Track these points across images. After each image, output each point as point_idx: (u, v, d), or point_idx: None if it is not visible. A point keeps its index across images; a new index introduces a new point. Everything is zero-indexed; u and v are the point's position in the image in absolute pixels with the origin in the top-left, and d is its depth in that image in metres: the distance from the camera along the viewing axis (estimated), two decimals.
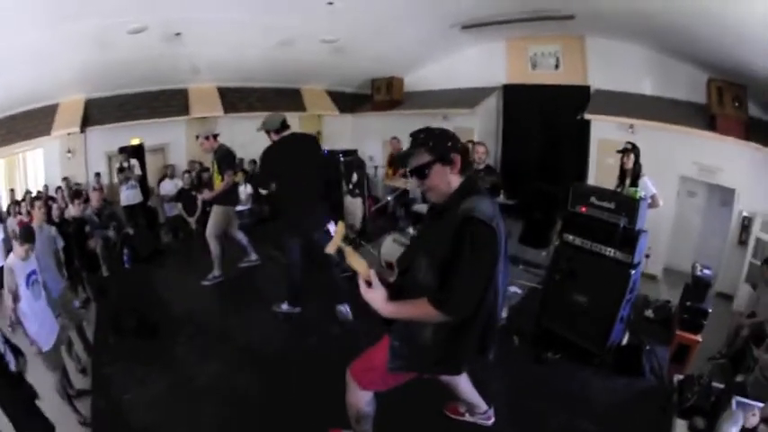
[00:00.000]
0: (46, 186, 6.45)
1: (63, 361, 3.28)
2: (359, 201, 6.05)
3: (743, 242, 4.77)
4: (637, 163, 3.92)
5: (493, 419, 2.55)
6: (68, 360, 3.72)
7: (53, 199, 5.91)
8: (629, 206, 3.06)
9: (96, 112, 6.60)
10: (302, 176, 3.56)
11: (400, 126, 7.26)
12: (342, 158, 5.90)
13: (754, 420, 2.23)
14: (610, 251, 3.11)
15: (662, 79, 5.54)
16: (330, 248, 1.78)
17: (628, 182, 3.87)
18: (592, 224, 3.21)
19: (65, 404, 3.10)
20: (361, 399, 2.04)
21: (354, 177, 5.98)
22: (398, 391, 1.97)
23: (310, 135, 3.99)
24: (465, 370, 2.14)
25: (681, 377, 2.89)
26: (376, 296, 1.65)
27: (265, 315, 4.00)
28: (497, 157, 7.21)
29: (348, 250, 1.72)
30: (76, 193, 5.45)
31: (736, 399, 2.43)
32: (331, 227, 3.60)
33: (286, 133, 3.63)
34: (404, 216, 6.39)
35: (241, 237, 4.88)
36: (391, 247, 4.27)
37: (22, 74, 5.44)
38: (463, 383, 2.34)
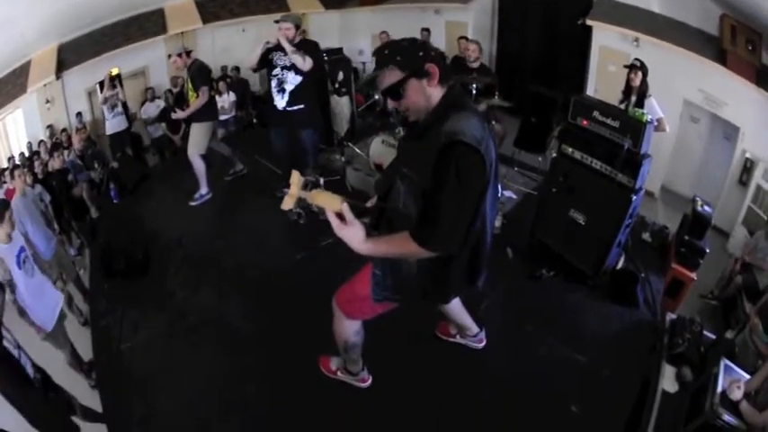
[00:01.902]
0: (30, 143, 6.32)
1: (68, 337, 3.24)
2: (346, 99, 5.86)
3: (743, 183, 4.56)
4: (644, 82, 3.74)
5: (484, 342, 2.55)
6: (71, 315, 3.75)
7: (37, 154, 5.80)
8: (635, 128, 2.84)
9: (70, 55, 6.30)
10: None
11: (391, 21, 7.02)
12: (326, 58, 5.65)
13: (738, 394, 2.11)
14: (611, 171, 2.96)
15: (672, 0, 5.11)
16: (287, 203, 1.52)
17: (633, 99, 3.70)
18: (593, 140, 3.04)
19: (77, 373, 3.14)
20: (348, 328, 2.00)
21: (340, 76, 5.77)
22: (388, 312, 1.91)
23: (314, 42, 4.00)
24: (452, 299, 2.08)
25: (673, 317, 2.84)
26: (351, 233, 1.45)
27: (254, 232, 3.96)
28: (492, 56, 6.89)
29: (312, 194, 1.49)
30: (55, 144, 5.33)
31: (724, 362, 2.34)
32: None
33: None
34: (395, 113, 6.31)
35: (223, 148, 4.80)
36: (380, 148, 4.16)
37: None
38: (454, 304, 2.29)
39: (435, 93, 1.48)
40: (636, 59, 3.87)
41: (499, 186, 4.10)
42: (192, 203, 4.55)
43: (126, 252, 3.78)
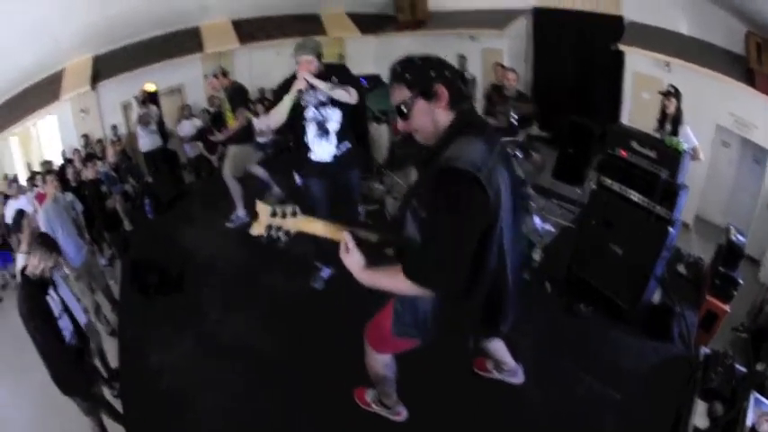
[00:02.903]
0: (64, 151, 6.48)
1: (102, 347, 3.36)
2: (385, 127, 5.79)
3: None
4: (678, 108, 3.70)
5: (521, 379, 2.49)
6: (99, 325, 3.82)
7: (70, 161, 5.93)
8: (672, 158, 2.81)
9: (106, 66, 6.50)
10: None
11: (428, 46, 6.99)
12: (365, 84, 5.57)
13: (766, 427, 2.07)
14: (649, 203, 2.91)
15: (698, 20, 5.10)
16: (255, 230, 1.44)
17: (668, 127, 3.66)
18: (631, 171, 3.00)
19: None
20: (377, 362, 1.96)
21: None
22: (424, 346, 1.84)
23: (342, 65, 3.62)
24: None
25: (707, 351, 2.78)
26: (352, 261, 1.40)
27: (290, 257, 3.78)
28: (527, 83, 6.87)
29: (294, 220, 1.42)
30: (89, 155, 5.42)
31: (754, 396, 2.30)
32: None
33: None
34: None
35: (261, 172, 4.73)
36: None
37: (27, 51, 5.46)
38: (495, 341, 2.24)
39: (444, 116, 1.40)
40: (670, 86, 3.83)
41: (538, 219, 4.09)
42: (229, 225, 4.48)
43: (159, 268, 3.79)
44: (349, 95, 2.89)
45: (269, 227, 1.43)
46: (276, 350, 3.00)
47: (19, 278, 2.68)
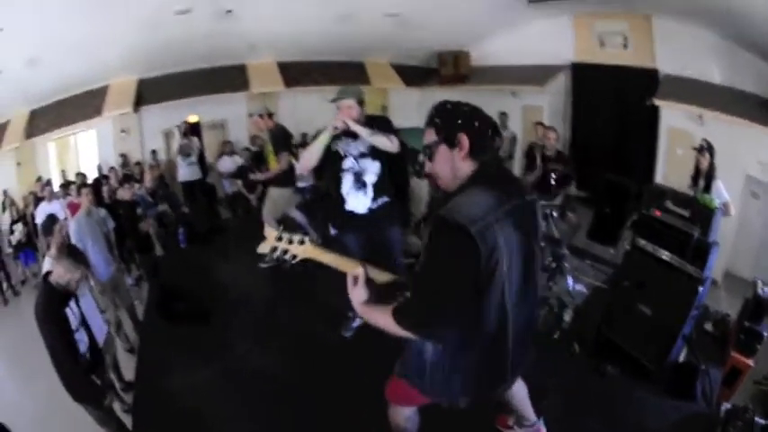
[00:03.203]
0: (100, 166, 6.66)
1: (117, 359, 3.32)
2: (425, 182, 5.72)
3: None
4: (711, 164, 3.70)
5: None
6: (117, 340, 3.78)
7: (106, 178, 6.11)
8: (705, 216, 2.82)
9: (150, 92, 6.68)
10: None
11: (470, 101, 7.12)
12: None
13: None
14: (680, 263, 2.90)
15: (729, 68, 5.09)
16: (262, 248, 1.60)
17: (701, 183, 3.67)
18: (665, 230, 3.00)
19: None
20: (399, 414, 1.95)
21: (420, 157, 5.71)
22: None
23: (384, 116, 3.49)
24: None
25: (728, 407, 2.73)
26: (355, 294, 1.47)
27: (322, 304, 3.80)
28: (566, 140, 6.87)
29: (306, 249, 1.57)
30: (126, 176, 5.58)
31: None
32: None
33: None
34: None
35: (299, 216, 4.78)
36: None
37: (70, 61, 5.59)
38: (518, 392, 2.19)
39: (465, 166, 1.41)
40: (703, 140, 3.85)
41: (570, 280, 4.05)
42: (262, 265, 4.43)
43: (188, 297, 3.84)
44: (390, 143, 2.78)
45: (274, 249, 1.57)
46: (298, 390, 2.97)
47: (41, 281, 2.65)
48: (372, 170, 2.88)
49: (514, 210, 1.38)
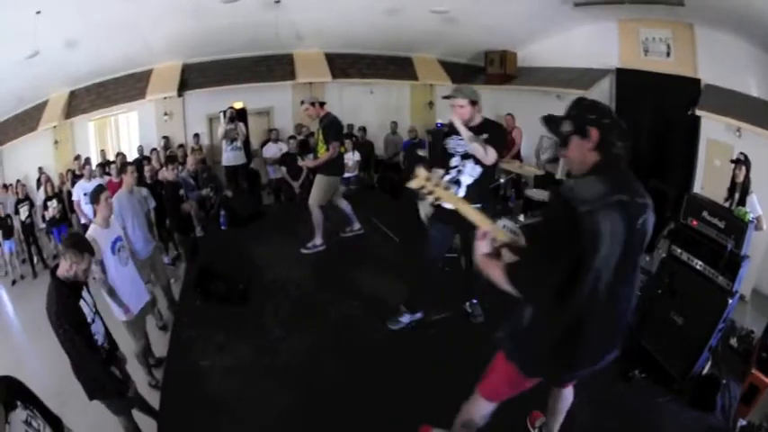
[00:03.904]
0: (141, 147, 6.85)
1: (146, 330, 3.32)
2: None
3: None
4: (747, 177, 3.67)
5: None
6: (149, 317, 3.76)
7: (148, 159, 6.27)
8: (739, 228, 2.83)
9: (195, 77, 6.84)
10: None
11: (513, 101, 7.25)
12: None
13: None
14: (713, 273, 2.92)
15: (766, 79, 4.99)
16: (412, 183, 1.81)
17: (737, 196, 3.63)
18: (700, 240, 3.03)
19: (140, 368, 3.19)
20: (479, 409, 2.01)
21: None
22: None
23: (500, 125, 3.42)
24: (565, 379, 1.99)
25: (743, 423, 2.77)
26: (480, 246, 1.69)
27: (363, 294, 3.84)
28: None
29: (449, 194, 1.78)
30: (170, 158, 5.68)
31: None
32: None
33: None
34: (514, 200, 6.26)
35: (345, 205, 4.83)
36: (500, 233, 4.09)
37: (110, 44, 5.72)
38: (567, 396, 2.25)
39: (591, 156, 1.57)
40: (740, 154, 3.83)
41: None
42: (304, 251, 4.55)
43: (227, 278, 3.85)
44: (485, 154, 2.80)
45: (422, 187, 1.78)
46: (331, 379, 2.94)
47: (49, 281, 2.47)
48: (471, 173, 2.94)
49: (622, 204, 1.50)
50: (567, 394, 2.22)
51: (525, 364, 1.79)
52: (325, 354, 3.18)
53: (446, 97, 2.99)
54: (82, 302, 2.46)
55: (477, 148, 2.79)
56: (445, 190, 1.80)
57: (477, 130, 2.85)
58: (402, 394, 2.67)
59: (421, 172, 1.81)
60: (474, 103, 2.88)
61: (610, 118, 1.60)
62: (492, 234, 1.71)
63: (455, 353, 2.99)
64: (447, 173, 2.98)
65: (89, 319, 2.46)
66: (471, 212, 1.75)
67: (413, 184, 1.82)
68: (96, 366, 2.43)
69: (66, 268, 2.38)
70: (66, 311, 2.32)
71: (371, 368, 2.98)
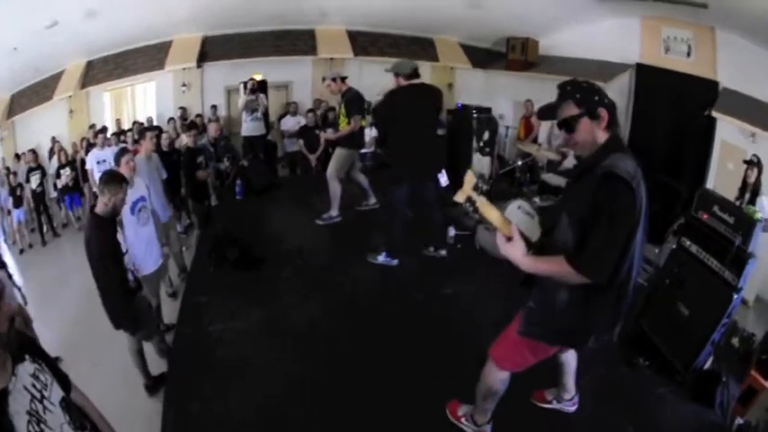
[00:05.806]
0: (150, 118, 6.88)
1: (159, 294, 3.39)
2: (487, 160, 5.98)
3: None
4: (758, 179, 3.78)
5: (576, 406, 2.56)
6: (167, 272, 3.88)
7: (162, 129, 6.26)
8: (747, 225, 2.89)
9: (215, 49, 6.86)
10: (419, 125, 3.55)
11: (532, 88, 7.28)
12: (475, 114, 5.85)
13: None
14: (720, 268, 2.97)
15: None
16: (459, 197, 1.72)
17: (747, 196, 3.73)
18: (709, 234, 3.09)
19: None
20: (496, 377, 2.04)
21: (486, 135, 5.88)
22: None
23: (435, 88, 3.83)
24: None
25: (741, 422, 2.82)
26: (515, 250, 1.64)
27: (376, 267, 3.90)
28: (624, 139, 6.86)
29: (482, 201, 1.69)
30: (192, 124, 5.70)
31: None
32: (442, 178, 3.63)
33: (415, 81, 3.58)
34: (529, 184, 6.34)
35: (362, 179, 4.91)
36: (516, 214, 4.10)
37: (130, 14, 5.74)
38: (571, 361, 2.33)
39: (601, 135, 1.64)
40: (754, 155, 3.93)
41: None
42: (319, 222, 4.61)
43: (242, 244, 3.88)
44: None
45: (469, 198, 1.71)
46: (342, 346, 2.95)
47: (87, 217, 2.67)
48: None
49: (642, 177, 1.59)
50: (573, 354, 2.30)
51: (553, 338, 1.85)
52: (336, 323, 3.20)
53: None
54: (119, 236, 2.64)
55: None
56: (485, 202, 1.70)
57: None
58: (414, 365, 2.67)
59: (469, 178, 1.71)
60: (397, 75, 3.53)
61: (606, 97, 1.66)
62: (518, 232, 1.67)
63: (470, 323, 3.03)
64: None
65: (123, 251, 2.65)
66: (497, 219, 1.70)
67: (459, 198, 1.72)
68: (121, 298, 2.62)
69: (104, 202, 2.54)
70: (106, 245, 2.50)
71: (382, 338, 3.00)
